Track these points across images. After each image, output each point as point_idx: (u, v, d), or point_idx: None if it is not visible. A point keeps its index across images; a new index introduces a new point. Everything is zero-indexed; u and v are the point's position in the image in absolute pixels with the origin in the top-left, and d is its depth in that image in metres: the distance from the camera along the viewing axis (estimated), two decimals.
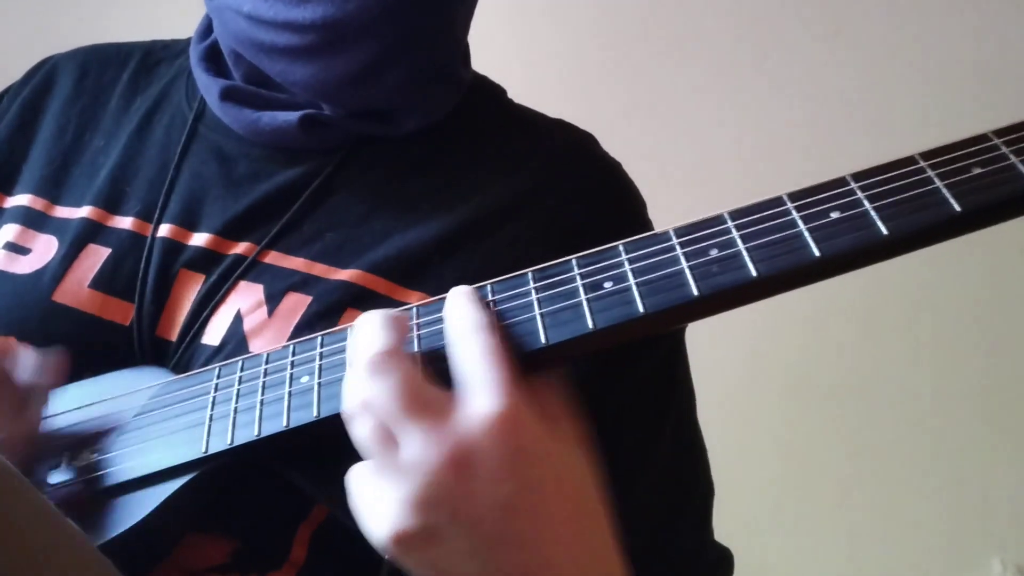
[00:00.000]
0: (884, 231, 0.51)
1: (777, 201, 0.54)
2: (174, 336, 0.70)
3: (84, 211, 0.75)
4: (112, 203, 0.75)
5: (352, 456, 0.53)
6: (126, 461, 0.62)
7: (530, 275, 0.57)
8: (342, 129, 0.75)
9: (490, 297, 0.57)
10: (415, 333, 0.58)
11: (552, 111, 0.83)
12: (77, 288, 0.71)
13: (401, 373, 0.51)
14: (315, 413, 0.58)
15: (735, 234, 0.54)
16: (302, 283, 0.69)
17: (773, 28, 1.67)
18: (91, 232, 0.73)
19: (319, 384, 0.59)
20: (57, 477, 0.62)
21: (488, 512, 0.50)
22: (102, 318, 0.70)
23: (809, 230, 0.52)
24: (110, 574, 0.54)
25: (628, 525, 0.56)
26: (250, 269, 0.71)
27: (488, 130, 0.80)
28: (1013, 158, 0.51)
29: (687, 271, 0.53)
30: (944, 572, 1.78)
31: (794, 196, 0.54)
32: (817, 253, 0.51)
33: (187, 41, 0.82)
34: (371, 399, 0.51)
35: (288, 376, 0.60)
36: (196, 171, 0.75)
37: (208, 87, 0.77)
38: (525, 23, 1.60)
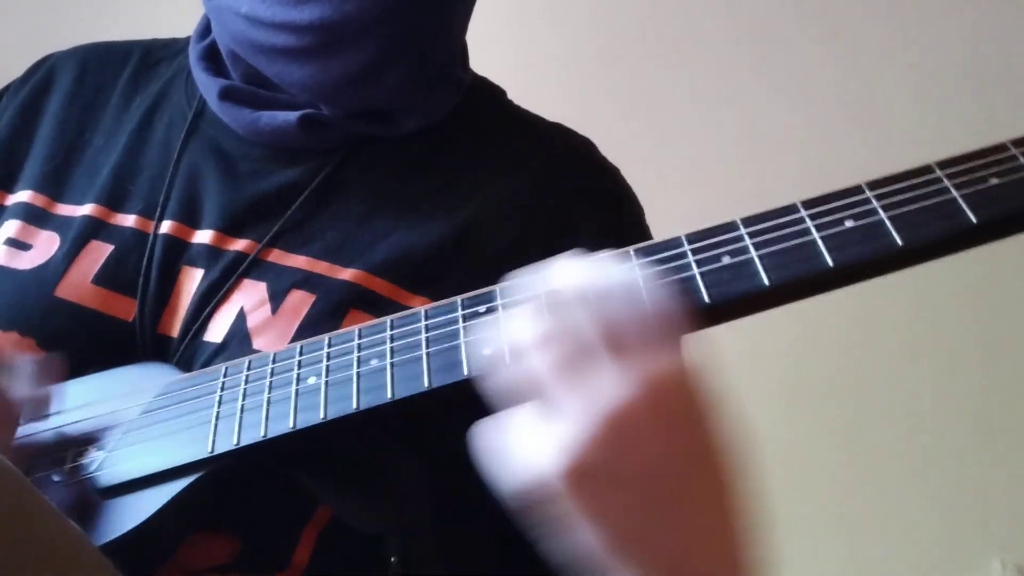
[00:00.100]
0: (899, 242, 0.50)
1: (791, 208, 0.53)
2: (176, 332, 0.69)
3: (87, 208, 0.74)
4: (115, 201, 0.75)
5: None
6: (130, 460, 0.61)
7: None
8: (342, 129, 0.75)
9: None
10: (423, 336, 0.58)
11: (549, 113, 0.82)
12: (80, 284, 0.71)
13: (613, 303, 0.48)
14: (321, 415, 0.57)
15: (748, 241, 0.53)
16: (305, 281, 0.69)
17: (770, 30, 1.67)
18: (94, 229, 0.73)
19: (326, 383, 0.59)
20: (60, 476, 0.62)
21: (672, 465, 0.47)
22: (105, 314, 0.70)
23: (823, 239, 0.52)
24: (111, 575, 0.54)
25: None
26: (253, 267, 0.70)
27: (488, 130, 0.80)
28: None
29: (698, 278, 0.53)
30: (944, 572, 1.78)
31: (808, 203, 0.53)
32: (830, 263, 0.51)
33: (186, 40, 0.82)
34: (570, 327, 0.47)
35: (295, 376, 0.60)
36: (197, 169, 0.75)
37: (207, 87, 0.77)
38: (522, 25, 1.59)
